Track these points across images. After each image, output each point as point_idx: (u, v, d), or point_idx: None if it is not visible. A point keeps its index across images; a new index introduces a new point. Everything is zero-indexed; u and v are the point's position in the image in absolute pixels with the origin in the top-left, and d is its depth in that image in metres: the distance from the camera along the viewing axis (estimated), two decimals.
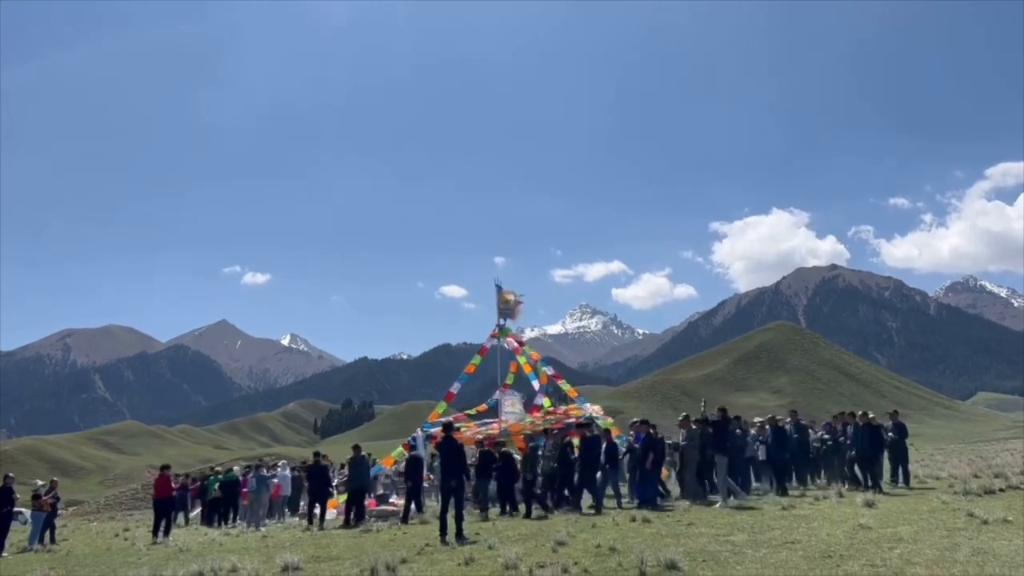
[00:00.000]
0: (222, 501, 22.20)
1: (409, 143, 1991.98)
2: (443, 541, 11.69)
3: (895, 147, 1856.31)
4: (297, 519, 20.47)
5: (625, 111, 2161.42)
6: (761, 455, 18.04)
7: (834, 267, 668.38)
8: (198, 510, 24.44)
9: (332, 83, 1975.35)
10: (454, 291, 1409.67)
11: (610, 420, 23.92)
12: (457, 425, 19.48)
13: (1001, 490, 14.56)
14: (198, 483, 25.13)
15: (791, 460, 17.78)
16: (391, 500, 20.32)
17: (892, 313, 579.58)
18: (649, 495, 15.41)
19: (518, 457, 17.41)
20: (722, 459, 15.05)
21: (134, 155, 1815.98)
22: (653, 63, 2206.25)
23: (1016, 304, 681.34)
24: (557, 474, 16.32)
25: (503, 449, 16.97)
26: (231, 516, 21.87)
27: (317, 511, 17.61)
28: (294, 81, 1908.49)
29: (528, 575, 8.47)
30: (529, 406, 26.03)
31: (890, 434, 17.78)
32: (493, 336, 26.21)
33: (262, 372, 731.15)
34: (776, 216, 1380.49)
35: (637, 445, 16.60)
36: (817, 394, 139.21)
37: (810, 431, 19.10)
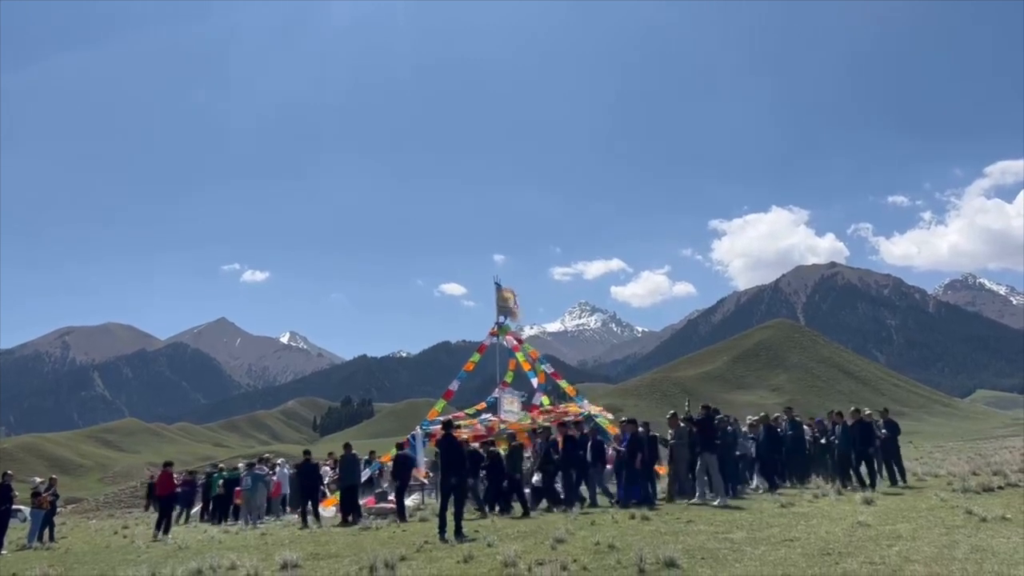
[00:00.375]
0: (225, 498, 22.27)
1: (409, 141, 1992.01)
2: (442, 539, 11.69)
3: (894, 145, 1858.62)
4: (297, 516, 20.50)
5: (625, 109, 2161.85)
6: (754, 453, 17.99)
7: (833, 265, 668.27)
8: (198, 507, 24.50)
9: (332, 82, 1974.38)
10: (453, 289, 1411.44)
11: (609, 418, 23.96)
12: (457, 423, 19.55)
13: (1000, 488, 14.56)
14: (204, 481, 25.23)
15: (784, 458, 17.66)
16: (390, 498, 20.34)
17: (891, 311, 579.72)
18: (636, 494, 15.38)
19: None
20: (709, 457, 14.98)
21: (133, 153, 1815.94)
22: (653, 62, 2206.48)
23: (1015, 302, 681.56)
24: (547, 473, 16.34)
25: (491, 448, 16.95)
26: (232, 514, 21.91)
27: (312, 508, 17.69)
28: (293, 80, 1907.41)
29: (527, 572, 8.46)
30: (528, 404, 26.04)
31: (883, 431, 17.65)
32: (492, 334, 26.20)
33: (261, 370, 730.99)
34: (775, 214, 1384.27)
35: (623, 446, 16.56)
36: (816, 392, 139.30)
37: (805, 428, 19.07)
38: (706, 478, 14.91)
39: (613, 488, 16.98)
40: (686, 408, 16.78)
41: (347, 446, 18.50)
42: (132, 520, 25.19)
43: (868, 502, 13.07)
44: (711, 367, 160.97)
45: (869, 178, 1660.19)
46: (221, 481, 22.75)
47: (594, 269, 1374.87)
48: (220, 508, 22.40)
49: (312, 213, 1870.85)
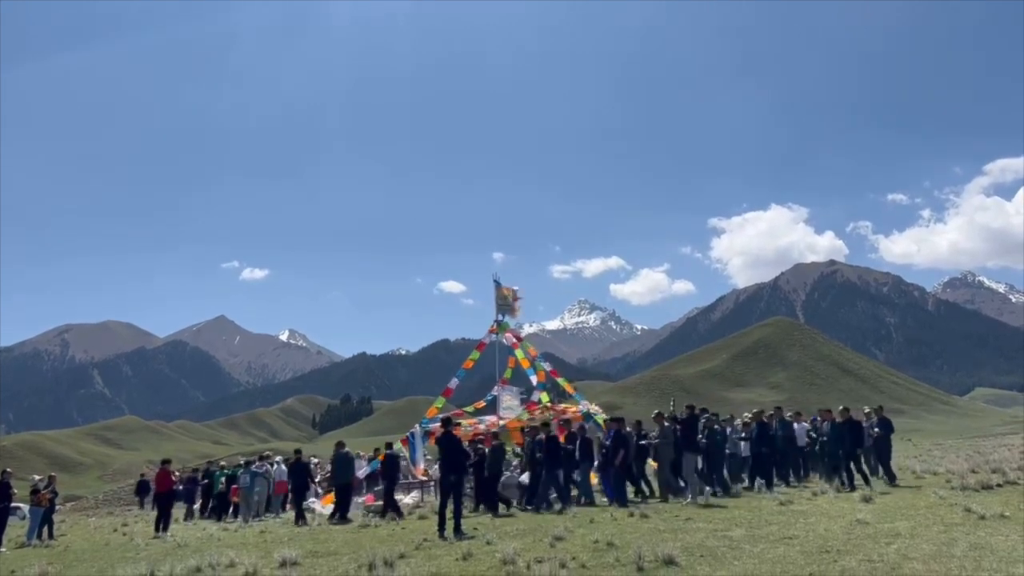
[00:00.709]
0: (228, 495, 22.34)
1: (408, 139, 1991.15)
2: (441, 536, 11.70)
3: (894, 143, 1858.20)
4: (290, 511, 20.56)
5: (624, 108, 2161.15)
6: (745, 451, 17.90)
7: (832, 263, 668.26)
8: (198, 504, 24.57)
9: (331, 80, 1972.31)
10: (453, 287, 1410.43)
11: (605, 416, 23.95)
12: (457, 421, 19.57)
13: (999, 485, 14.58)
14: (202, 476, 25.33)
15: (775, 456, 17.58)
16: None
17: (890, 309, 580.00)
18: (619, 493, 15.39)
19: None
20: (690, 457, 15.00)
21: (133, 151, 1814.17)
22: (652, 60, 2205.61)
23: (1014, 300, 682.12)
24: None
25: (479, 446, 16.96)
26: (231, 511, 21.97)
27: (314, 505, 17.73)
28: (293, 78, 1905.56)
29: (526, 570, 8.46)
30: (527, 402, 26.05)
31: (876, 430, 17.51)
32: (491, 332, 26.21)
33: (260, 367, 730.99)
34: (775, 212, 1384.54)
35: (607, 443, 16.57)
36: (815, 390, 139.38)
37: (804, 426, 19.01)
38: (694, 476, 14.95)
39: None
40: (671, 407, 16.72)
41: (339, 444, 18.60)
42: (131, 518, 25.17)
43: (867, 500, 13.08)
44: (710, 365, 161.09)
45: (868, 176, 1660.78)
46: (223, 479, 22.81)
47: (593, 267, 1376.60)
48: (222, 505, 22.48)
49: (311, 211, 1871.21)
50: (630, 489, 16.53)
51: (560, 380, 28.49)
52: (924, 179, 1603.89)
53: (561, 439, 16.73)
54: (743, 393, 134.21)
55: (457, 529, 11.89)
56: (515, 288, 26.71)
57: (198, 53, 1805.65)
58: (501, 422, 22.36)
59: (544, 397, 26.84)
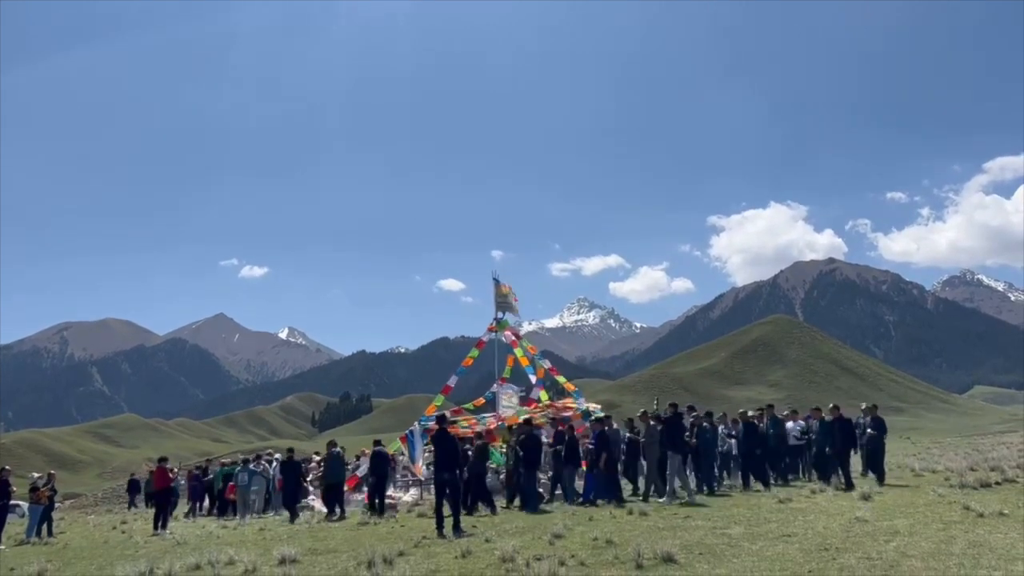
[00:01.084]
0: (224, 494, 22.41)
1: (407, 137, 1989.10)
2: (440, 534, 11.71)
3: (893, 141, 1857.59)
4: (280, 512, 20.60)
5: (623, 106, 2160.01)
6: (734, 450, 17.85)
7: (832, 261, 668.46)
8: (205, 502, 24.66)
9: (331, 79, 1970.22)
10: (452, 285, 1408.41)
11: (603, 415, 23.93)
12: (452, 419, 19.59)
13: (997, 483, 14.62)
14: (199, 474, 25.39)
15: (763, 455, 17.50)
16: (389, 493, 20.36)
17: (889, 307, 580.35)
18: (602, 493, 15.42)
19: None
20: (674, 456, 14.96)
21: (132, 150, 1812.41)
22: (651, 58, 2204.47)
23: (1013, 298, 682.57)
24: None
25: (465, 446, 16.96)
26: (229, 509, 22.02)
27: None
28: (292, 77, 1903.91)
29: (525, 568, 8.46)
30: (526, 400, 26.06)
31: (869, 430, 17.39)
32: (491, 330, 26.21)
33: (260, 365, 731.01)
34: (774, 210, 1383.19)
35: (592, 444, 16.56)
36: (814, 388, 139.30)
37: (801, 424, 18.92)
38: (674, 476, 14.96)
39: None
40: (654, 406, 16.65)
41: (332, 443, 18.74)
42: (131, 515, 25.18)
43: (866, 498, 13.11)
44: (709, 363, 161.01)
45: (868, 174, 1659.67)
46: (221, 477, 22.84)
47: (592, 265, 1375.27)
48: (222, 503, 22.53)
49: (311, 209, 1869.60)
50: (629, 488, 16.57)
51: (559, 378, 28.45)
52: (923, 177, 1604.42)
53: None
54: (742, 391, 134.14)
55: (456, 527, 11.89)
56: (508, 285, 26.72)
57: (198, 53, 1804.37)
58: (500, 421, 22.34)
59: (543, 395, 26.85)
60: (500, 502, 16.77)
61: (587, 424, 19.14)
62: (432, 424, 19.32)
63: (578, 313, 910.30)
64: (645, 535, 10.16)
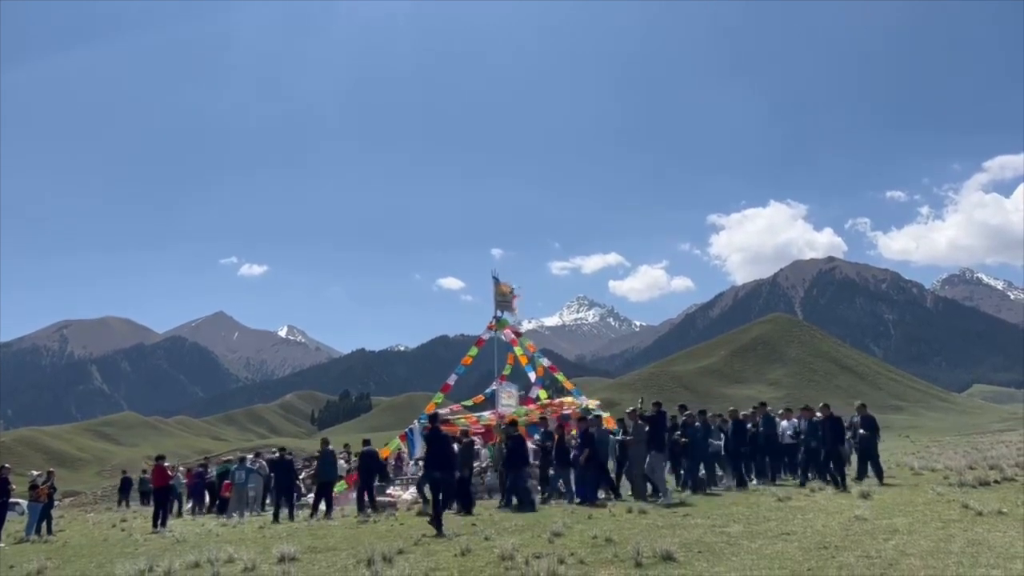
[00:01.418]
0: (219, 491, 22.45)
1: (407, 135, 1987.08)
2: (440, 533, 11.70)
3: (892, 140, 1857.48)
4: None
5: (623, 104, 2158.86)
6: (722, 451, 17.72)
7: (831, 259, 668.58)
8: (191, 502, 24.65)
9: (330, 76, 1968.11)
10: (451, 283, 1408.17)
11: (605, 413, 23.97)
12: (445, 417, 19.61)
13: (996, 482, 14.61)
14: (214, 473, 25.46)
15: (753, 454, 17.45)
16: (389, 491, 20.40)
17: (889, 305, 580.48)
18: (586, 492, 15.40)
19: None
20: (656, 456, 14.91)
21: (132, 148, 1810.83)
22: (651, 57, 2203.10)
23: (1012, 297, 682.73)
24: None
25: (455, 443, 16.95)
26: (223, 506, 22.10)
27: (286, 502, 17.90)
28: (292, 74, 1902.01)
29: (524, 566, 8.46)
30: (525, 398, 26.08)
31: (861, 430, 17.28)
32: (490, 328, 26.23)
33: (259, 363, 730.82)
34: (773, 208, 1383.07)
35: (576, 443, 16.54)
36: (814, 386, 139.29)
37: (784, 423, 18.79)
38: (654, 475, 14.96)
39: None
40: (639, 405, 16.58)
41: (324, 441, 18.77)
42: (130, 513, 25.19)
43: (865, 496, 13.12)
44: (709, 361, 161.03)
45: (867, 173, 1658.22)
46: (218, 475, 22.89)
47: (592, 263, 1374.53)
48: (224, 501, 22.57)
49: (310, 207, 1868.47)
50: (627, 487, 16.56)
51: (558, 376, 28.48)
52: (923, 176, 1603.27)
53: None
54: (742, 389, 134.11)
55: (438, 527, 11.84)
56: (513, 285, 26.73)
57: (198, 53, 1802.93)
58: (500, 418, 22.35)
59: (543, 393, 26.87)
60: (493, 501, 16.82)
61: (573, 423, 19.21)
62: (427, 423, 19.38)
63: (578, 311, 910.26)
64: (644, 533, 10.17)
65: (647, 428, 15.19)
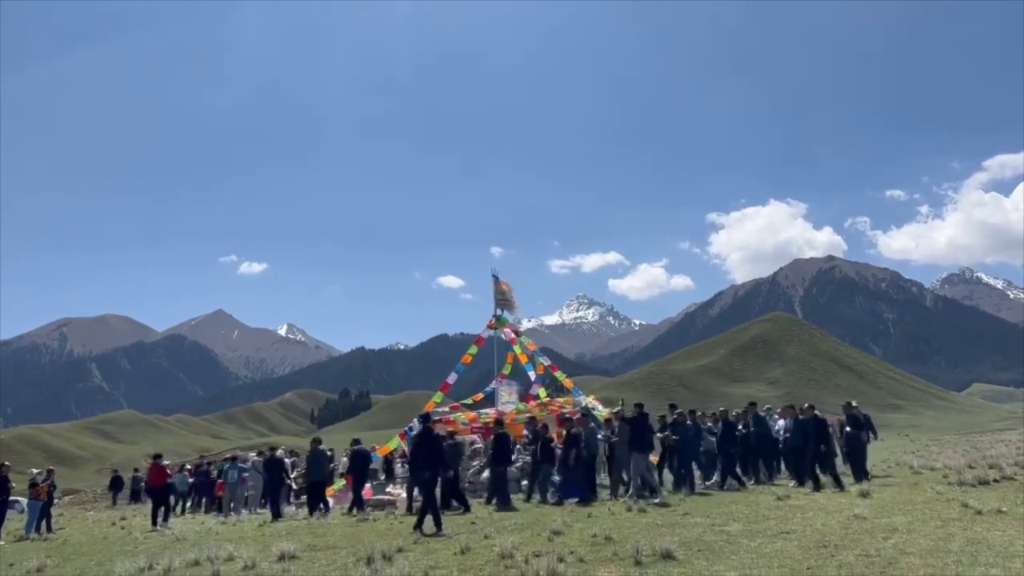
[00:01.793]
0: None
1: (407, 134, 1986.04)
2: (439, 532, 11.70)
3: (892, 139, 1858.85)
4: (294, 508, 20.57)
5: (623, 103, 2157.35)
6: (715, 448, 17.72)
7: (831, 258, 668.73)
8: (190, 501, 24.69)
9: (330, 74, 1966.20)
10: (451, 281, 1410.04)
11: (605, 411, 23.95)
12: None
13: (996, 481, 14.62)
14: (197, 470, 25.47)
15: (742, 453, 17.39)
16: (388, 490, 20.37)
17: (888, 304, 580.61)
18: (575, 492, 15.40)
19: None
20: (638, 456, 14.91)
21: (132, 147, 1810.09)
22: (651, 56, 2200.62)
23: (1012, 296, 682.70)
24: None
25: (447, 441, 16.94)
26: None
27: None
28: (291, 72, 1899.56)
29: (524, 564, 8.46)
30: (525, 396, 26.06)
31: (847, 428, 17.18)
32: (490, 327, 26.21)
33: (259, 362, 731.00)
34: (773, 207, 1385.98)
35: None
36: (813, 385, 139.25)
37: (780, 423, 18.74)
38: (636, 476, 14.97)
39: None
40: (620, 407, 16.57)
41: (315, 440, 18.69)
42: (130, 511, 25.19)
43: (864, 495, 13.12)
44: (708, 360, 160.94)
45: (867, 172, 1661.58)
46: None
47: (592, 262, 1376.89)
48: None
49: (310, 205, 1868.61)
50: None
51: (558, 375, 28.46)
52: (923, 175, 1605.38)
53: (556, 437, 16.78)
54: (741, 388, 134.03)
55: (417, 526, 11.78)
56: (507, 283, 26.73)
57: (196, 48, 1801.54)
58: (500, 416, 22.34)
59: (542, 392, 26.85)
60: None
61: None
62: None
63: (577, 310, 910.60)
64: (644, 532, 10.18)
65: (628, 429, 15.24)
